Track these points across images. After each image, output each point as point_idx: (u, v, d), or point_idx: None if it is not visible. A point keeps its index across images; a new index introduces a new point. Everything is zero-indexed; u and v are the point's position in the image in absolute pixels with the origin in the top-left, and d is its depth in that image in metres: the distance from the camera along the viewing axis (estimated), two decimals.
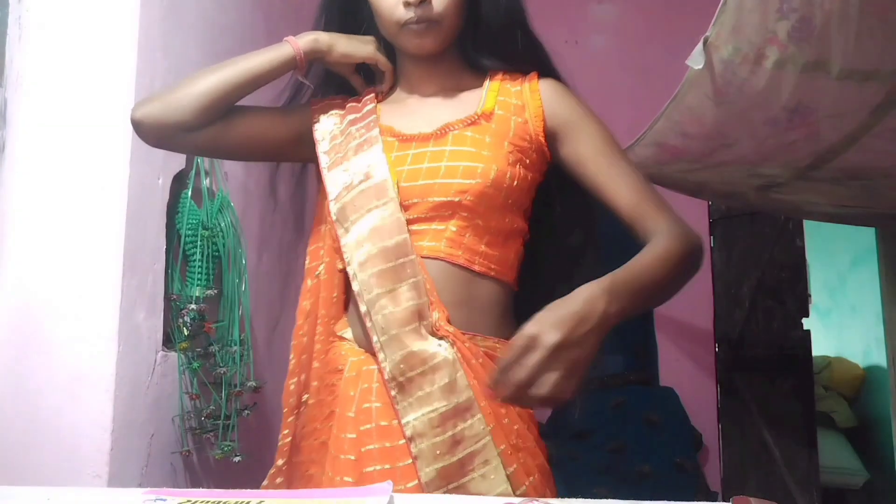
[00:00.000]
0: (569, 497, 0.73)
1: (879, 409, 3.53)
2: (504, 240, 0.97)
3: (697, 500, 0.64)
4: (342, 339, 1.00)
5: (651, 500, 0.68)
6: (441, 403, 0.87)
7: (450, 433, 0.87)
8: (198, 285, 1.38)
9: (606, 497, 0.70)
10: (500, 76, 1.01)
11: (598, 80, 2.86)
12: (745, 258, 2.69)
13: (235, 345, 1.48)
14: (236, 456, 1.45)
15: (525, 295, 1.01)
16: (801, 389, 2.52)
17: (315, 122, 1.03)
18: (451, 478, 0.86)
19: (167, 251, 1.36)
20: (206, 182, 1.48)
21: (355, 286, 0.93)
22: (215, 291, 1.42)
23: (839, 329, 4.15)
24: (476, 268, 0.94)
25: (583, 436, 2.39)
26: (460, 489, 0.85)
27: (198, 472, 1.46)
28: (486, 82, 1.01)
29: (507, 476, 0.86)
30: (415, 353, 0.89)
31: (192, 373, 1.40)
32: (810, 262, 2.96)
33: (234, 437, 1.46)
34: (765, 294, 2.63)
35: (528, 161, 0.96)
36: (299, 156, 1.06)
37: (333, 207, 0.97)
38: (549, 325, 0.75)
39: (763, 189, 1.55)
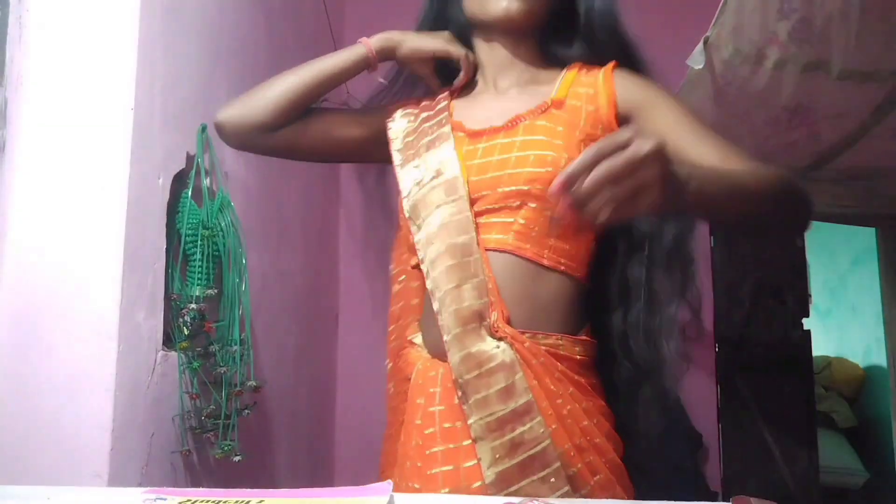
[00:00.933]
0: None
1: (879, 409, 3.53)
2: (574, 232, 0.93)
3: (697, 500, 0.64)
4: (412, 344, 1.00)
5: (651, 500, 0.68)
6: (499, 407, 0.86)
7: (508, 437, 0.85)
8: (198, 285, 1.38)
9: (606, 497, 0.70)
10: (576, 67, 0.99)
11: None
12: (746, 258, 2.69)
13: (235, 344, 1.48)
14: (236, 455, 1.45)
15: (597, 292, 0.99)
16: (801, 389, 2.52)
17: (390, 122, 1.05)
18: (512, 481, 0.85)
19: (167, 251, 1.36)
20: (206, 182, 1.48)
21: (429, 283, 0.93)
22: (215, 291, 1.42)
23: (839, 329, 4.15)
24: (545, 261, 0.92)
25: None
26: (520, 492, 0.84)
27: (198, 472, 1.46)
28: (563, 73, 0.99)
29: (569, 476, 0.85)
30: (472, 354, 0.88)
31: (192, 372, 1.40)
32: (810, 262, 2.97)
33: (234, 437, 1.45)
34: (765, 294, 2.64)
35: None
36: (377, 156, 1.07)
37: (406, 204, 0.97)
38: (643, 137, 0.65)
39: None
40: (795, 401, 2.52)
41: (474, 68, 1.05)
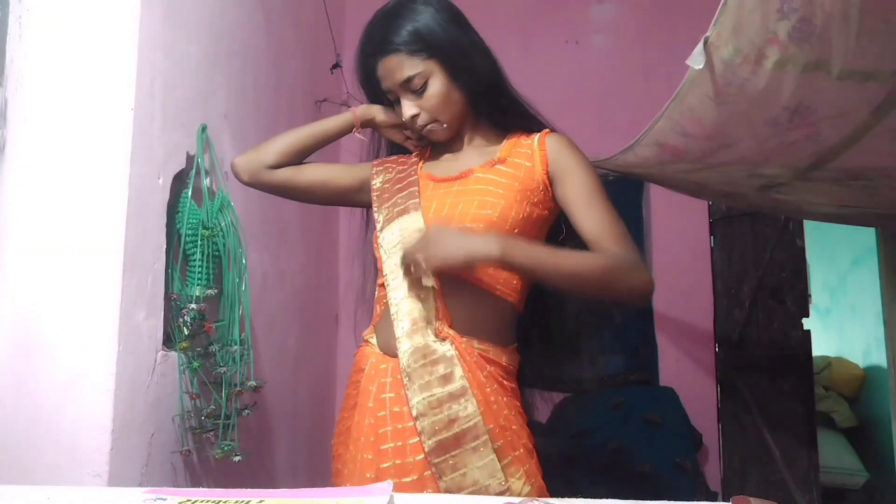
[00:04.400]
0: (569, 497, 0.73)
1: (879, 409, 3.53)
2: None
3: (697, 500, 0.64)
4: (368, 343, 1.22)
5: (651, 500, 0.68)
6: (439, 390, 1.07)
7: (445, 413, 1.06)
8: (198, 285, 1.38)
9: (606, 497, 0.70)
10: (517, 134, 1.23)
11: (598, 80, 2.87)
12: (746, 258, 2.69)
13: (235, 344, 1.48)
14: (236, 455, 1.45)
15: (532, 319, 1.24)
16: (801, 389, 2.52)
17: (374, 175, 1.30)
18: (449, 449, 1.05)
19: (167, 251, 1.36)
20: (206, 182, 1.48)
21: (389, 294, 1.15)
22: (215, 291, 1.42)
23: (839, 329, 4.15)
24: (483, 284, 1.14)
25: (583, 435, 2.39)
26: (457, 458, 1.05)
27: (198, 472, 1.46)
28: (507, 138, 1.24)
29: (494, 448, 1.05)
30: (419, 347, 1.09)
31: (192, 372, 1.40)
32: (810, 262, 2.96)
33: (235, 437, 1.45)
34: (765, 294, 2.64)
35: (535, 199, 1.16)
36: (361, 201, 1.33)
37: (380, 236, 1.20)
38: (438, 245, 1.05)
39: (764, 189, 1.55)
40: (795, 401, 2.52)
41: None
